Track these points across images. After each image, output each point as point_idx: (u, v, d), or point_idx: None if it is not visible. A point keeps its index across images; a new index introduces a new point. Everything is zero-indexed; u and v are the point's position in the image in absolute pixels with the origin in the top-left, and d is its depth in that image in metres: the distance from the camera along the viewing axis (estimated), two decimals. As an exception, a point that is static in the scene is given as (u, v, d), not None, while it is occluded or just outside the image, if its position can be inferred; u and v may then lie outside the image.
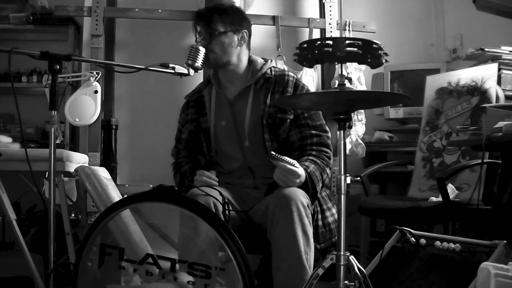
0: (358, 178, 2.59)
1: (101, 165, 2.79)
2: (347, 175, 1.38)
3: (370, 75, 3.21)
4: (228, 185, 1.90)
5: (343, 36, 3.02)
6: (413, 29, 3.55)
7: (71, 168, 2.21)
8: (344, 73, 1.39)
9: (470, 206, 2.08)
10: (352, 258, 1.37)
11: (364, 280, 1.37)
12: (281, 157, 1.62)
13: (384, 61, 1.31)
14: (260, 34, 3.02)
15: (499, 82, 2.52)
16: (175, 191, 1.43)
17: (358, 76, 3.00)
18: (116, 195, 2.13)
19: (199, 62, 1.82)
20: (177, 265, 1.41)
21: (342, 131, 1.40)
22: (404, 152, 3.04)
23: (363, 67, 3.00)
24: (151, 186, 2.38)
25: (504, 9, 2.22)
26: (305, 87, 1.94)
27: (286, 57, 2.97)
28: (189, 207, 1.42)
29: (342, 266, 1.36)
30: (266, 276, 1.65)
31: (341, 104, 1.37)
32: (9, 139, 2.35)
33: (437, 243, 1.76)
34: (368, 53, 1.27)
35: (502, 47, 2.64)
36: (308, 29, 3.05)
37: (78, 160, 2.33)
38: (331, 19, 3.05)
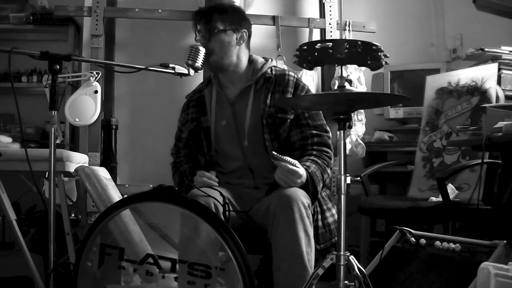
0: (358, 178, 2.59)
1: (101, 165, 2.79)
2: (347, 175, 1.38)
3: (370, 75, 3.21)
4: (228, 185, 1.90)
5: (343, 36, 3.02)
6: (413, 29, 3.55)
7: (71, 168, 2.21)
8: (344, 74, 1.39)
9: (470, 206, 2.08)
10: (352, 258, 1.37)
11: (364, 280, 1.37)
12: (282, 157, 1.62)
13: (384, 63, 1.31)
14: (260, 34, 3.02)
15: (499, 82, 2.52)
16: (175, 191, 1.43)
17: (358, 76, 3.00)
18: (116, 195, 2.13)
19: (199, 62, 1.83)
20: (177, 265, 1.41)
21: (342, 131, 1.40)
22: (404, 152, 3.04)
23: (363, 67, 3.01)
24: (151, 186, 2.38)
25: (504, 9, 2.22)
26: (305, 87, 1.94)
27: (286, 57, 2.97)
28: (189, 207, 1.42)
29: (342, 266, 1.36)
30: (266, 276, 1.65)
31: (341, 104, 1.37)
32: (9, 139, 2.36)
33: (437, 243, 1.76)
34: (368, 55, 1.27)
35: (502, 47, 2.64)
36: (308, 29, 3.05)
37: (78, 160, 2.33)
38: (331, 19, 3.05)
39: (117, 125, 3.07)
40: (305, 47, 1.30)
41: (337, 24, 3.05)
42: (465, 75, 2.66)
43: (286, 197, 1.61)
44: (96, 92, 2.30)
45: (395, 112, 3.15)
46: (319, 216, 1.78)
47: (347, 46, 1.26)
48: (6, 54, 1.65)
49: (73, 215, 2.66)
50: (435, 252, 1.75)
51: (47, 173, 2.02)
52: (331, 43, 1.28)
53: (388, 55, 1.32)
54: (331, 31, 3.04)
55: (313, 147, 1.85)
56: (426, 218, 2.25)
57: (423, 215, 2.20)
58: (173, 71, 1.83)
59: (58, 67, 1.68)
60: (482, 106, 2.24)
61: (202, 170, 1.88)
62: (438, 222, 2.53)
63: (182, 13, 2.95)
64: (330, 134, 1.91)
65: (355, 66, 2.97)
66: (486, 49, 2.64)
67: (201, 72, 1.97)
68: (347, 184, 1.38)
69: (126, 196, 1.55)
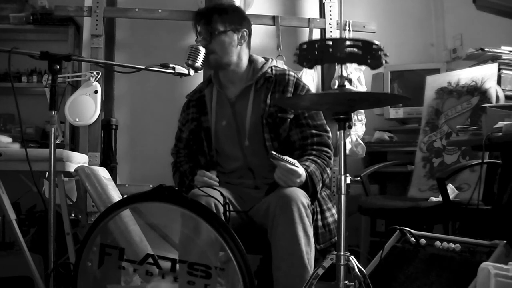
0: (358, 178, 2.59)
1: (101, 165, 2.80)
2: (347, 175, 1.38)
3: (370, 75, 3.21)
4: (228, 185, 1.90)
5: (343, 36, 3.02)
6: (413, 29, 3.55)
7: (71, 168, 2.21)
8: (344, 74, 1.39)
9: (470, 206, 2.08)
10: (352, 258, 1.37)
11: (364, 280, 1.37)
12: (281, 156, 1.62)
13: (384, 62, 1.31)
14: (260, 34, 3.02)
15: (499, 82, 2.52)
16: (175, 191, 1.43)
17: (358, 76, 3.00)
18: (116, 195, 2.13)
19: (199, 62, 1.83)
20: (177, 265, 1.41)
21: (342, 131, 1.40)
22: (404, 152, 3.04)
23: (363, 67, 3.01)
24: (151, 186, 2.39)
25: (504, 9, 2.22)
26: (305, 87, 1.94)
27: (286, 57, 2.97)
28: (189, 207, 1.42)
29: (342, 266, 1.36)
30: (266, 276, 1.65)
31: (341, 104, 1.37)
32: (9, 139, 2.36)
33: (437, 243, 1.76)
34: (368, 53, 1.27)
35: (502, 47, 2.64)
36: (308, 29, 3.05)
37: (78, 160, 2.33)
38: (331, 19, 3.05)
39: (117, 125, 3.07)
40: (305, 46, 1.30)
41: (337, 24, 3.05)
42: (465, 75, 2.66)
43: (286, 197, 1.61)
44: (96, 92, 2.30)
45: (395, 112, 3.15)
46: (319, 216, 1.78)
47: (347, 45, 1.25)
48: (6, 54, 1.65)
49: (73, 215, 2.66)
50: (435, 252, 1.75)
51: (47, 173, 2.02)
52: (331, 42, 1.28)
53: (388, 54, 1.32)
54: (331, 31, 3.04)
55: (312, 147, 1.85)
56: (426, 218, 2.25)
57: (423, 215, 2.20)
58: (173, 71, 1.83)
59: (58, 67, 1.68)
60: (482, 106, 2.24)
61: (203, 170, 1.88)
62: (438, 222, 2.53)
63: (182, 13, 2.95)
64: (330, 134, 1.91)
65: (355, 66, 2.98)
66: (486, 49, 2.64)
67: (201, 72, 1.97)
68: (347, 184, 1.38)
69: (126, 196, 1.55)
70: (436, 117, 2.72)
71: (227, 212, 1.64)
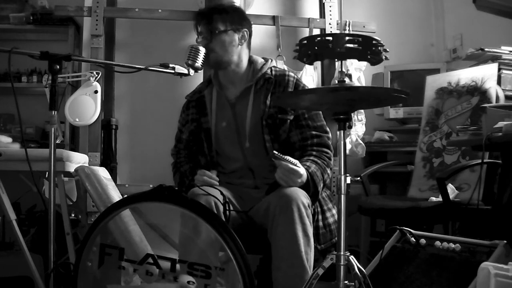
0: (358, 178, 2.59)
1: (101, 165, 2.79)
2: (347, 175, 1.38)
3: (370, 75, 3.21)
4: (228, 184, 1.90)
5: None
6: (413, 29, 3.55)
7: (71, 168, 2.21)
8: (344, 69, 1.38)
9: (470, 206, 2.08)
10: (352, 258, 1.37)
11: (364, 280, 1.37)
12: (283, 156, 1.62)
13: (384, 57, 1.30)
14: (260, 34, 3.02)
15: (499, 82, 2.52)
16: (175, 191, 1.43)
17: (358, 76, 3.00)
18: (116, 195, 2.13)
19: (199, 62, 1.82)
20: (177, 265, 1.41)
21: (342, 131, 1.40)
22: (404, 152, 3.04)
23: (363, 67, 3.01)
24: (151, 186, 2.39)
25: (504, 9, 2.22)
26: (305, 87, 1.94)
27: (286, 57, 2.97)
28: (189, 207, 1.42)
29: (342, 266, 1.36)
30: (266, 276, 1.65)
31: (341, 104, 1.37)
32: (9, 139, 2.35)
33: (437, 243, 1.76)
34: (367, 49, 1.26)
35: (502, 47, 2.64)
36: (308, 29, 3.05)
37: (78, 160, 2.33)
38: (331, 19, 3.05)
39: (117, 125, 3.07)
40: (305, 41, 1.30)
41: (337, 24, 3.05)
42: (465, 75, 2.66)
43: (286, 197, 1.61)
44: (96, 92, 2.30)
45: (395, 112, 3.15)
46: (320, 216, 1.78)
47: (347, 40, 1.25)
48: (6, 54, 1.65)
49: (73, 215, 2.66)
50: (435, 252, 1.75)
51: (47, 173, 2.02)
52: (331, 37, 1.27)
53: (387, 50, 1.32)
54: (331, 31, 3.04)
55: (312, 147, 1.85)
56: (426, 218, 2.25)
57: (423, 215, 2.20)
58: (173, 71, 1.83)
59: (58, 67, 1.68)
60: (482, 106, 2.24)
61: (203, 169, 1.88)
62: (438, 222, 2.53)
63: (182, 13, 2.95)
64: (330, 135, 1.91)
65: (355, 65, 2.98)
66: (486, 49, 2.64)
67: (201, 72, 1.97)
68: (347, 184, 1.38)
69: (126, 196, 1.55)
70: (436, 117, 2.72)
71: (227, 211, 1.64)
